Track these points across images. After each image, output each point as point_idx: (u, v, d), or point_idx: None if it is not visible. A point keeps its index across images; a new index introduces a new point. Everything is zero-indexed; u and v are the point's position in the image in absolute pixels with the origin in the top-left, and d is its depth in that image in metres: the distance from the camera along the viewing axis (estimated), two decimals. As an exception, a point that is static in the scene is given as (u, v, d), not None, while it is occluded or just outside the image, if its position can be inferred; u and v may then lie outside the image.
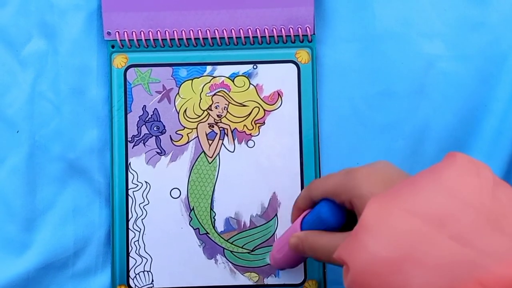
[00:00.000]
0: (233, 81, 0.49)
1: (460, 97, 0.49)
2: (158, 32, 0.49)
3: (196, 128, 0.49)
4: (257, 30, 0.49)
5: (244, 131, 0.49)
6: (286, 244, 0.42)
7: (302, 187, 0.48)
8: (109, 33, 0.49)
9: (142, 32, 0.49)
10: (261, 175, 0.48)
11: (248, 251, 0.48)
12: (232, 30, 0.49)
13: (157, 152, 0.49)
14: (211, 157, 0.49)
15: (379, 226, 0.32)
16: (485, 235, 0.30)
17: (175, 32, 0.49)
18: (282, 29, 0.49)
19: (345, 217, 0.39)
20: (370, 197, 0.34)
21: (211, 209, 0.48)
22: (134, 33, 0.49)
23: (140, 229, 0.48)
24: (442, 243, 0.30)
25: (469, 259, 0.29)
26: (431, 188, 0.32)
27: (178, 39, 0.49)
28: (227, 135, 0.49)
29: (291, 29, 0.49)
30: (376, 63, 0.49)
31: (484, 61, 0.49)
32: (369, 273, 0.32)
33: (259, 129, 0.49)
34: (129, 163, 0.48)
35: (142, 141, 0.49)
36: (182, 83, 0.49)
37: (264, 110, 0.49)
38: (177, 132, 0.49)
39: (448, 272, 0.29)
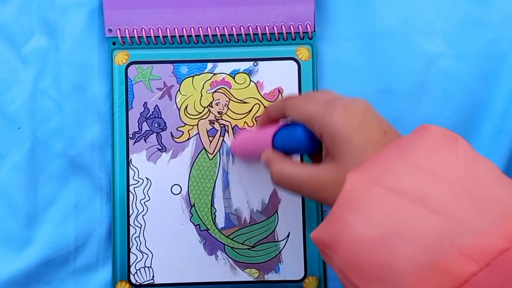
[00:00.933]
0: (233, 78, 0.49)
1: (460, 95, 0.49)
2: (159, 29, 0.49)
3: (197, 124, 0.49)
4: (258, 27, 0.49)
5: (245, 128, 0.49)
6: (254, 145, 0.42)
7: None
8: (110, 30, 0.49)
9: (143, 29, 0.49)
10: (261, 172, 0.49)
11: (248, 247, 0.49)
12: (233, 27, 0.49)
13: (158, 149, 0.49)
14: (211, 154, 0.49)
15: (362, 206, 0.32)
16: (466, 208, 0.30)
17: (176, 29, 0.49)
18: (283, 26, 0.49)
19: (317, 145, 0.39)
20: (343, 138, 0.35)
21: (212, 205, 0.49)
22: (135, 30, 0.49)
23: (141, 225, 0.48)
24: (424, 218, 0.30)
25: (451, 231, 0.30)
26: (408, 164, 0.32)
27: (179, 36, 0.49)
28: (228, 132, 0.49)
29: (291, 26, 0.49)
30: (377, 60, 0.49)
31: (484, 59, 0.49)
32: (357, 252, 0.32)
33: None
34: (130, 160, 0.49)
35: (143, 138, 0.49)
36: (183, 80, 0.49)
37: (265, 107, 0.49)
38: (178, 129, 0.49)
39: (432, 245, 0.30)
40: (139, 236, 0.48)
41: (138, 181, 0.49)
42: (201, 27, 0.49)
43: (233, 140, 0.48)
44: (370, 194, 0.32)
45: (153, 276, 0.48)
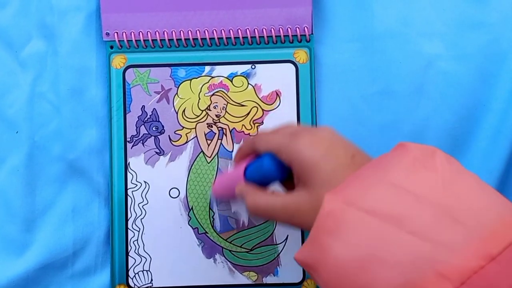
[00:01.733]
0: (231, 81, 0.49)
1: (459, 96, 0.49)
2: (157, 32, 0.49)
3: (195, 128, 0.49)
4: (256, 30, 0.49)
5: (243, 131, 0.49)
6: (230, 183, 0.42)
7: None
8: (107, 34, 0.49)
9: (140, 33, 0.49)
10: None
11: (246, 250, 0.48)
12: (231, 30, 0.49)
13: (156, 152, 0.49)
14: (209, 157, 0.49)
15: (341, 228, 0.32)
16: (442, 228, 0.30)
17: (173, 32, 0.49)
18: (280, 29, 0.49)
19: (286, 172, 0.39)
20: (311, 165, 0.36)
21: (210, 208, 0.49)
22: (132, 33, 0.49)
23: (139, 229, 0.48)
24: (402, 240, 0.31)
25: (427, 251, 0.30)
26: (385, 184, 0.33)
27: (177, 39, 0.49)
28: (226, 135, 0.49)
29: (289, 29, 0.49)
30: (375, 62, 0.49)
31: (483, 60, 0.49)
32: (338, 275, 0.32)
33: (257, 128, 0.49)
34: (128, 163, 0.49)
35: (141, 141, 0.49)
36: (181, 83, 0.49)
37: (263, 110, 0.49)
38: (176, 132, 0.49)
39: (409, 267, 0.30)
40: (137, 240, 0.48)
41: (136, 185, 0.49)
42: (198, 30, 0.49)
43: (213, 185, 0.48)
44: (347, 216, 0.32)
45: (152, 280, 0.48)
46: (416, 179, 0.32)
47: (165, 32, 0.49)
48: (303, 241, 0.48)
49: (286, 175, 0.39)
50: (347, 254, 0.32)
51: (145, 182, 0.49)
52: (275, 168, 0.39)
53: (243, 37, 0.49)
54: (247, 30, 0.49)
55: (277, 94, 0.49)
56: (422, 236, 0.30)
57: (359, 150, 0.37)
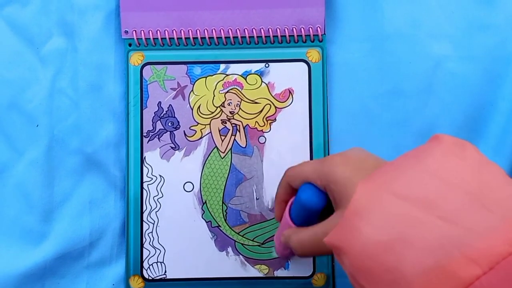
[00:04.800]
0: (245, 79, 0.51)
1: (467, 96, 0.50)
2: (174, 31, 0.50)
3: (209, 124, 0.50)
4: (270, 29, 0.50)
5: (256, 128, 0.50)
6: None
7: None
8: (126, 32, 0.50)
9: (158, 31, 0.50)
10: (272, 170, 0.50)
11: (258, 244, 0.50)
12: (245, 30, 0.50)
13: (171, 147, 0.50)
14: (223, 152, 0.50)
15: (371, 211, 0.34)
16: (471, 214, 0.31)
17: (190, 31, 0.50)
18: (294, 29, 0.50)
19: (325, 199, 0.40)
20: (344, 182, 0.36)
21: (223, 202, 0.50)
22: (150, 32, 0.50)
23: (154, 221, 0.49)
24: (431, 224, 0.32)
25: (456, 236, 0.31)
26: (417, 171, 0.34)
27: (193, 38, 0.50)
28: (239, 131, 0.50)
29: (302, 29, 0.50)
30: (385, 62, 0.51)
31: (491, 61, 0.50)
32: (366, 256, 0.33)
33: (270, 125, 0.50)
34: (144, 157, 0.50)
35: (157, 136, 0.50)
36: (196, 81, 0.50)
37: (276, 107, 0.50)
38: (191, 128, 0.50)
39: (438, 250, 0.31)
40: (152, 232, 0.49)
41: (152, 178, 0.50)
42: (214, 29, 0.50)
43: (274, 247, 0.49)
44: (378, 200, 0.34)
45: (165, 271, 0.49)
46: (448, 167, 0.34)
47: (182, 31, 0.50)
48: (313, 236, 0.49)
49: (326, 202, 0.40)
50: (377, 235, 0.33)
51: (160, 176, 0.50)
52: (311, 195, 0.39)
53: (257, 36, 0.50)
54: (261, 29, 0.50)
55: (289, 92, 0.50)
56: (451, 221, 0.31)
57: (388, 162, 0.38)
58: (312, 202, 0.39)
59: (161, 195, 0.50)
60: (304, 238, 0.40)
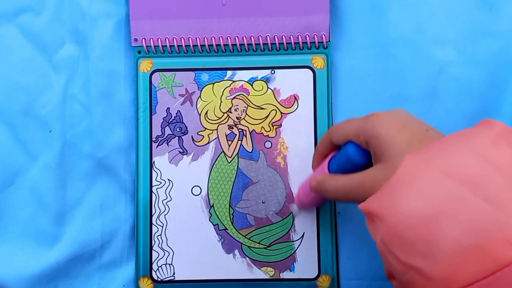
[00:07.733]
0: (252, 85, 0.52)
1: (470, 102, 0.51)
2: (182, 38, 0.52)
3: (217, 129, 0.51)
4: (275, 37, 0.51)
5: (262, 133, 0.51)
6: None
7: (316, 186, 0.50)
8: (136, 40, 0.52)
9: (167, 39, 0.52)
10: (277, 175, 0.51)
11: (264, 246, 0.51)
12: (252, 37, 0.51)
13: (180, 152, 0.51)
14: (230, 157, 0.51)
15: (417, 183, 0.34)
16: None
17: (197, 39, 0.52)
18: (299, 36, 0.51)
19: (369, 157, 0.40)
20: (387, 138, 0.37)
21: (230, 206, 0.51)
22: (159, 39, 0.52)
23: (163, 224, 0.51)
24: (475, 204, 0.32)
25: (500, 219, 0.31)
26: (466, 151, 0.34)
27: (201, 45, 0.52)
28: (246, 136, 0.51)
29: (307, 36, 0.51)
30: (390, 68, 0.51)
31: (494, 66, 0.51)
32: (405, 225, 0.34)
33: (276, 130, 0.51)
34: (153, 162, 0.51)
35: (166, 141, 0.51)
36: (204, 87, 0.52)
37: (281, 113, 0.51)
38: (199, 133, 0.51)
39: (480, 229, 0.31)
40: (161, 235, 0.51)
41: (161, 182, 0.51)
42: (221, 36, 0.52)
43: (295, 196, 0.50)
44: (424, 174, 0.34)
45: (174, 273, 0.51)
46: (497, 152, 0.34)
47: (190, 38, 0.52)
48: (318, 239, 0.50)
49: (369, 161, 0.40)
50: (420, 206, 0.33)
51: (169, 180, 0.51)
52: (359, 153, 0.40)
53: (263, 44, 0.51)
54: (267, 37, 0.51)
55: (295, 98, 0.51)
56: (495, 203, 0.32)
57: (432, 126, 0.39)
58: (359, 158, 0.41)
59: (170, 199, 0.51)
60: (339, 183, 0.41)
